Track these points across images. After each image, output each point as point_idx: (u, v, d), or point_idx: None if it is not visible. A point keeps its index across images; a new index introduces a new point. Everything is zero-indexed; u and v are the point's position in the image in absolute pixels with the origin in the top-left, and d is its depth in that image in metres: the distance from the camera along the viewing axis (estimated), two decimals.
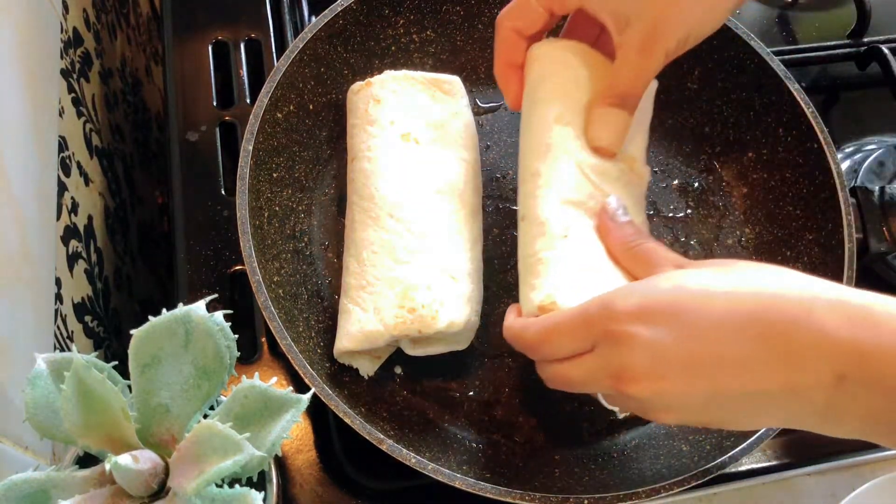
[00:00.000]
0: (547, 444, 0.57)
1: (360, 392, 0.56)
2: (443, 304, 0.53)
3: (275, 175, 0.60)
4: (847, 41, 0.77)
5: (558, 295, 0.48)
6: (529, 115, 0.58)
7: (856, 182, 0.67)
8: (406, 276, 0.54)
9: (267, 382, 0.42)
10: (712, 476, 0.51)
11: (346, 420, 0.50)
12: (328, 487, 0.57)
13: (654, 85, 0.58)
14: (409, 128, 0.61)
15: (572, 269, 0.50)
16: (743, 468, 0.60)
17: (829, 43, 0.77)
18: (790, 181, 0.63)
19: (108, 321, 0.68)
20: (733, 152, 0.67)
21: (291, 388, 0.58)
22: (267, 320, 0.52)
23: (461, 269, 0.56)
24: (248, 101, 0.71)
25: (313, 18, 0.69)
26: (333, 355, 0.56)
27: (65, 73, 0.66)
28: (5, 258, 0.50)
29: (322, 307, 0.59)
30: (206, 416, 0.43)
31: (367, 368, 0.56)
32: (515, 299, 0.53)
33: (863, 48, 0.76)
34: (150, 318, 0.41)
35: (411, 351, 0.56)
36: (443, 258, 0.56)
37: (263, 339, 0.62)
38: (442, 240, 0.56)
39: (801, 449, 0.61)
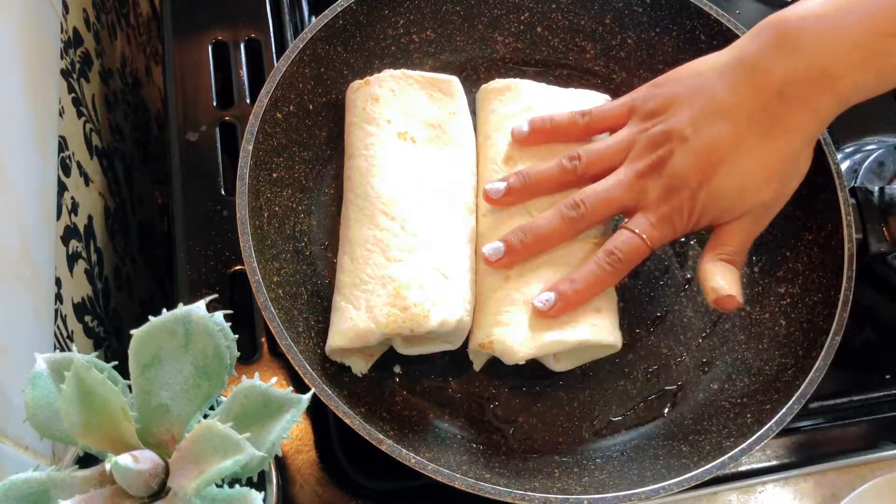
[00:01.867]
0: (547, 444, 0.57)
1: (360, 392, 0.56)
2: (435, 303, 0.53)
3: (275, 175, 0.60)
4: None
5: (496, 334, 0.54)
6: (481, 148, 0.63)
7: (856, 182, 0.67)
8: (399, 275, 0.54)
9: (267, 382, 0.42)
10: (712, 476, 0.51)
11: (346, 420, 0.50)
12: (328, 487, 0.57)
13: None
14: (406, 126, 0.61)
15: (509, 308, 0.55)
16: (743, 468, 0.60)
17: None
18: None
19: (108, 321, 0.68)
20: None
21: (291, 388, 0.58)
22: (267, 320, 0.52)
23: (454, 269, 0.56)
24: (248, 101, 0.71)
25: (313, 18, 0.69)
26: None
27: (65, 73, 0.66)
28: (5, 258, 0.50)
29: (322, 307, 0.59)
30: (206, 416, 0.43)
31: (359, 367, 0.56)
32: None
33: None
34: (150, 318, 0.41)
35: (404, 350, 0.56)
36: (436, 257, 0.56)
37: (263, 339, 0.62)
38: (436, 239, 0.56)
39: (801, 449, 0.61)
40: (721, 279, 0.53)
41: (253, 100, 0.66)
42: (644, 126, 0.56)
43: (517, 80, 0.64)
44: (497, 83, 0.64)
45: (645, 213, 0.54)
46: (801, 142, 0.53)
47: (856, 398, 0.63)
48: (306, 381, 0.50)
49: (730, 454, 0.51)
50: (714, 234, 0.55)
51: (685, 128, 0.53)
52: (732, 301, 0.52)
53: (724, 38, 0.65)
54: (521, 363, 0.54)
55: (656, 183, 0.54)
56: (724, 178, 0.53)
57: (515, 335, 0.54)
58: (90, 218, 0.68)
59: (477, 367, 0.58)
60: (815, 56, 0.50)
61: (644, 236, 0.53)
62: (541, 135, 0.60)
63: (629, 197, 0.54)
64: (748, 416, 0.55)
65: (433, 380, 0.58)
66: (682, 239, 0.64)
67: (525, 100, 0.62)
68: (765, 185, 0.53)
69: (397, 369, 0.58)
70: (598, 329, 0.55)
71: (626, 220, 0.56)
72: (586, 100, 0.64)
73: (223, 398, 0.43)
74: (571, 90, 0.65)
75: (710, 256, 0.54)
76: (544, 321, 0.54)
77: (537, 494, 0.49)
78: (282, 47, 0.72)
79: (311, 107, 0.64)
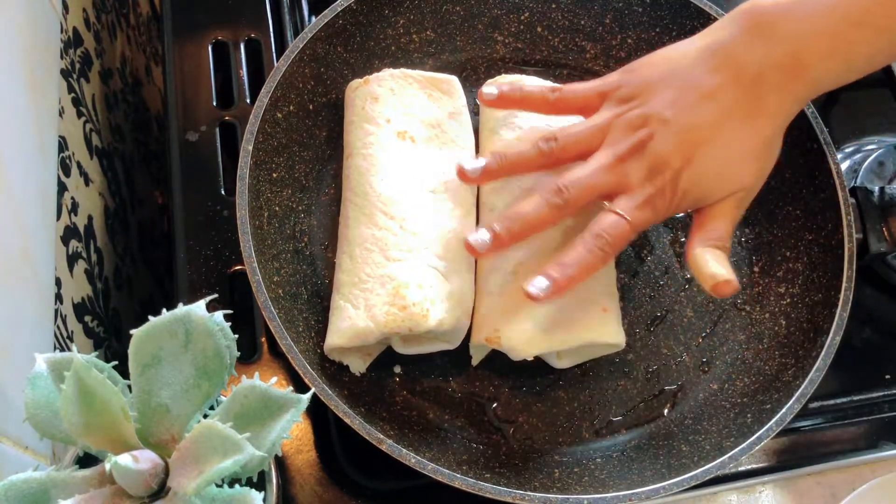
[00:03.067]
0: (547, 444, 0.57)
1: (360, 392, 0.56)
2: (434, 302, 0.53)
3: (275, 175, 0.60)
4: None
5: (504, 329, 0.54)
6: (486, 143, 0.63)
7: (856, 182, 0.67)
8: (398, 274, 0.54)
9: (267, 382, 0.42)
10: (712, 476, 0.51)
11: (346, 420, 0.50)
12: (328, 487, 0.57)
13: None
14: (405, 126, 0.61)
15: (518, 303, 0.54)
16: (743, 468, 0.60)
17: None
18: (790, 181, 0.63)
19: (108, 321, 0.68)
20: None
21: (291, 388, 0.58)
22: (267, 320, 0.52)
23: (453, 269, 0.56)
24: (248, 101, 0.71)
25: (313, 18, 0.69)
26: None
27: (65, 73, 0.66)
28: (5, 258, 0.50)
29: (322, 307, 0.59)
30: (206, 416, 0.43)
31: (357, 366, 0.56)
32: None
33: None
34: (150, 318, 0.41)
35: (402, 349, 0.56)
36: (435, 257, 0.56)
37: (263, 339, 0.62)
38: (435, 238, 0.56)
39: (801, 449, 0.61)
40: (717, 265, 0.52)
41: (253, 100, 0.66)
42: (620, 110, 0.55)
43: (523, 76, 0.64)
44: (503, 79, 0.64)
45: (628, 195, 0.53)
46: (778, 124, 0.54)
47: (856, 398, 0.63)
48: (306, 381, 0.50)
49: (730, 454, 0.51)
50: (698, 220, 0.55)
51: (664, 110, 0.53)
52: (730, 286, 0.52)
53: None
54: (528, 359, 0.54)
55: (638, 165, 0.53)
56: (705, 159, 0.53)
57: (524, 331, 0.54)
58: (90, 218, 0.68)
59: (475, 361, 0.58)
60: (789, 44, 0.51)
61: (628, 218, 0.52)
62: (508, 102, 0.59)
63: (612, 181, 0.53)
64: (748, 416, 0.55)
65: (433, 380, 0.58)
66: (683, 239, 0.65)
67: None
68: (745, 166, 0.53)
69: (397, 369, 0.58)
70: (605, 329, 0.55)
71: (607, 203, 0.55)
72: None
73: (223, 398, 0.43)
74: None
75: (699, 241, 0.53)
76: (552, 318, 0.54)
77: (537, 494, 0.49)
78: (282, 47, 0.72)
79: (311, 107, 0.64)
